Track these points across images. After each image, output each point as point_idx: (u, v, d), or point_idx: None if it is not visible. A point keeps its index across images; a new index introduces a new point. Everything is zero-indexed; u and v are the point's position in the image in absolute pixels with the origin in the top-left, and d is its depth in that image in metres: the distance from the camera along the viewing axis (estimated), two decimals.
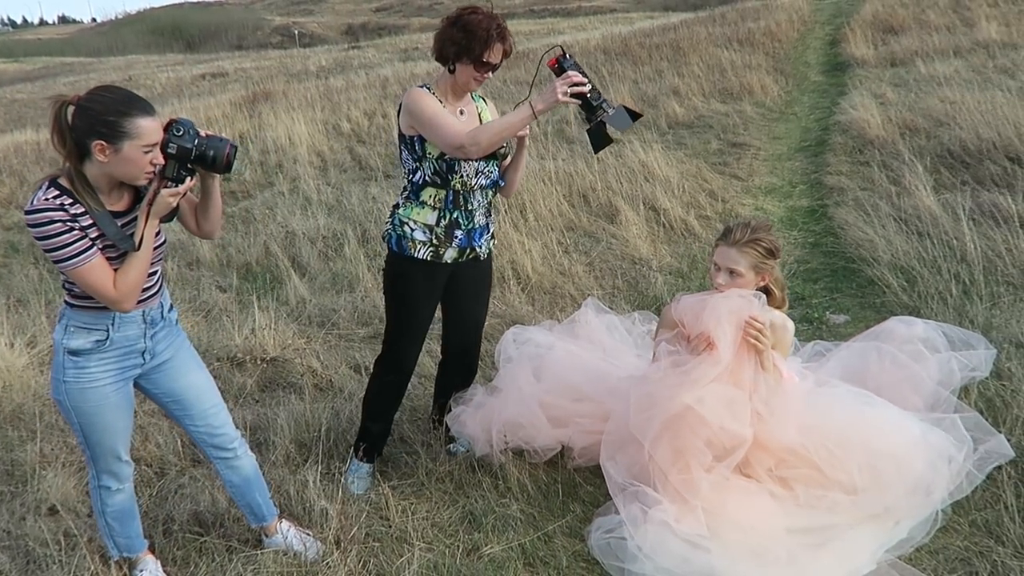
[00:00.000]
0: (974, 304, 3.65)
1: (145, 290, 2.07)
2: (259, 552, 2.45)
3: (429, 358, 3.57)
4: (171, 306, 2.25)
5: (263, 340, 4.07)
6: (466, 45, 2.43)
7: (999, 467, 2.53)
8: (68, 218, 1.87)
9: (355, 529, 2.53)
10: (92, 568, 2.36)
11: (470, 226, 2.67)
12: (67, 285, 2.02)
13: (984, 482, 2.50)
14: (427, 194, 2.60)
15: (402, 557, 2.44)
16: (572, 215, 5.68)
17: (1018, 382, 2.94)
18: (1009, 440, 2.59)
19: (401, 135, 2.60)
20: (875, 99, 7.55)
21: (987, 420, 2.69)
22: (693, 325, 2.57)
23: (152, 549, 2.48)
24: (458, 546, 2.52)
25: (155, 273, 2.12)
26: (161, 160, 1.95)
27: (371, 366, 2.94)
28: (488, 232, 2.76)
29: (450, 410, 2.97)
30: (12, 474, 3.11)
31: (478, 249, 2.72)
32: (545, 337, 3.23)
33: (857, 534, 2.35)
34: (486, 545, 2.51)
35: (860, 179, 5.79)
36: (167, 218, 2.12)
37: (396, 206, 2.69)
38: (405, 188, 2.67)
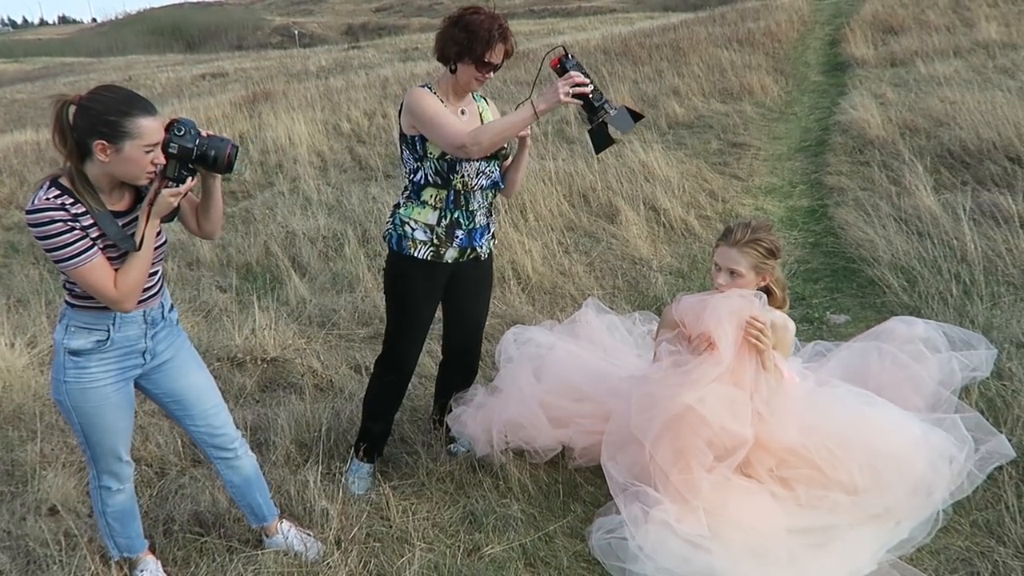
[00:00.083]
0: (975, 304, 3.65)
1: (146, 290, 2.07)
2: (260, 552, 2.45)
3: (430, 358, 3.57)
4: (172, 306, 2.25)
5: (263, 340, 4.07)
6: (468, 45, 2.43)
7: (1000, 467, 2.53)
8: (69, 218, 1.86)
9: (356, 529, 2.53)
10: (92, 568, 2.35)
11: (471, 226, 2.66)
12: (68, 285, 2.02)
13: (985, 482, 2.50)
14: (428, 194, 2.60)
15: (403, 557, 2.44)
16: (572, 215, 5.68)
17: (1019, 382, 2.93)
18: (1010, 440, 2.59)
19: (402, 135, 2.60)
20: (875, 99, 7.55)
21: (988, 420, 2.69)
22: (694, 325, 2.57)
23: (152, 549, 2.48)
24: (459, 546, 2.52)
25: (156, 273, 2.12)
26: (162, 160, 1.95)
27: (371, 366, 2.94)
28: (489, 232, 2.76)
29: (451, 410, 2.97)
30: (12, 474, 3.10)
31: (479, 249, 2.72)
32: (546, 337, 3.23)
33: (858, 534, 2.35)
34: (487, 545, 2.51)
35: (860, 179, 5.79)
36: (168, 218, 2.12)
37: (397, 206, 2.69)
38: (406, 188, 2.67)
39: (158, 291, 2.15)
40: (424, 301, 2.72)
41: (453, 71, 2.52)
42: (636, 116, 2.35)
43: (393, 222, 2.67)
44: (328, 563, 2.39)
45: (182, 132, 1.96)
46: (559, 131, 8.33)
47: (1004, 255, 4.08)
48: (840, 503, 2.41)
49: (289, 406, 3.42)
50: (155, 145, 1.91)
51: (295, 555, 2.44)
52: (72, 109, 1.86)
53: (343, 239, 5.68)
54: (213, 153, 1.99)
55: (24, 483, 3.01)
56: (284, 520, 2.56)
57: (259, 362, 3.93)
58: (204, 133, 2.00)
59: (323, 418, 3.22)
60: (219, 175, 2.11)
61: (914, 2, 13.11)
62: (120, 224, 1.97)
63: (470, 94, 2.64)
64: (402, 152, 2.64)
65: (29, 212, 1.85)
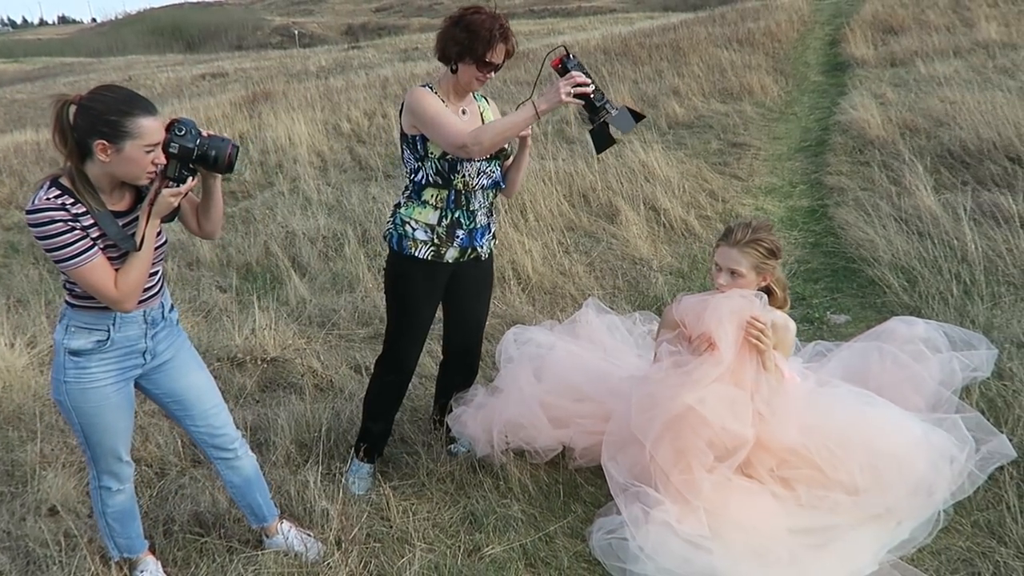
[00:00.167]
0: (975, 304, 3.65)
1: (146, 290, 2.06)
2: (260, 553, 2.45)
3: (430, 358, 3.57)
4: (172, 306, 2.25)
5: (263, 340, 4.07)
6: (469, 45, 2.43)
7: (1001, 467, 2.53)
8: (69, 218, 1.86)
9: (356, 530, 2.53)
10: (92, 569, 2.35)
11: (472, 226, 2.66)
12: (68, 285, 2.02)
13: (986, 482, 2.50)
14: (429, 194, 2.60)
15: (403, 558, 2.44)
16: (572, 215, 5.68)
17: (1019, 382, 2.93)
18: (1011, 440, 2.59)
19: (403, 135, 2.60)
20: (875, 99, 7.55)
21: (989, 420, 2.69)
22: (694, 325, 2.57)
23: (152, 550, 2.48)
24: (459, 547, 2.51)
25: (156, 273, 2.12)
26: (163, 160, 1.94)
27: (371, 366, 2.94)
28: (489, 232, 2.76)
29: (451, 410, 2.97)
30: (12, 474, 3.10)
31: (479, 249, 2.71)
32: (546, 337, 3.23)
33: (859, 535, 2.35)
34: (487, 546, 2.51)
35: (860, 179, 5.79)
36: (168, 218, 2.11)
37: (397, 206, 2.69)
38: (407, 188, 2.67)
39: (158, 291, 2.14)
40: (425, 301, 2.72)
41: (454, 71, 2.52)
42: (637, 116, 2.35)
43: (394, 222, 2.67)
44: (328, 563, 2.39)
45: (183, 132, 1.95)
46: (559, 131, 8.33)
47: (1004, 255, 4.07)
48: (841, 503, 2.41)
49: (289, 406, 3.42)
50: (156, 145, 1.91)
51: (295, 555, 2.44)
52: (72, 109, 1.86)
53: (343, 239, 5.68)
54: (214, 153, 1.99)
55: (24, 483, 3.01)
56: (284, 520, 2.56)
57: (259, 362, 3.93)
58: (205, 133, 2.00)
59: (323, 418, 3.22)
60: (219, 175, 2.11)
61: (914, 2, 13.11)
62: (120, 224, 1.97)
63: (471, 94, 2.64)
64: (403, 152, 2.64)
65: (29, 212, 1.85)
